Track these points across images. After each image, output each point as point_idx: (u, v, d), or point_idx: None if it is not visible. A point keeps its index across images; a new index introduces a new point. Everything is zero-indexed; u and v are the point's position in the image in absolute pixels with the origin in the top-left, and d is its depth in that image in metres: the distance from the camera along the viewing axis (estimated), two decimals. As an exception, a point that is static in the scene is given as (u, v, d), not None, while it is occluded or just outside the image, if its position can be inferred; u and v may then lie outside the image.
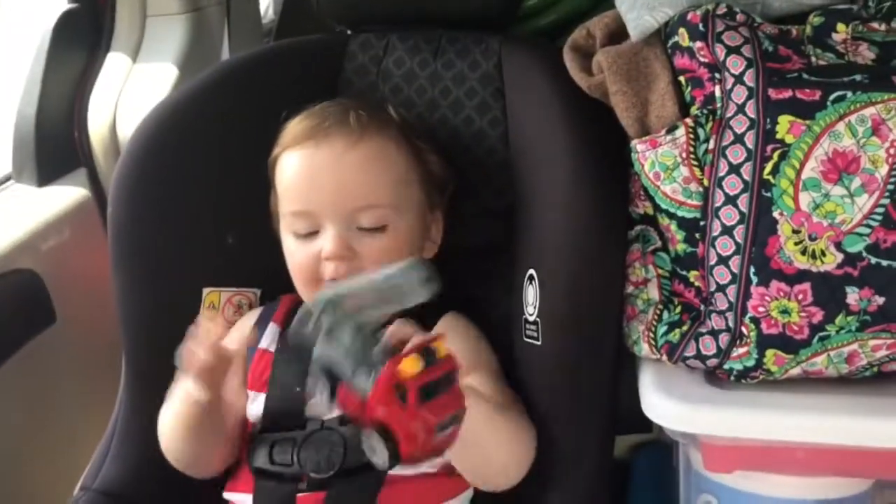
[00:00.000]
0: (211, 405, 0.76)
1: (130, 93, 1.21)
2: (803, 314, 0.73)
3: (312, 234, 0.82)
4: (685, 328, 0.79)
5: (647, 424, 1.14)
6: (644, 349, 0.81)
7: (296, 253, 0.84)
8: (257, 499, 0.81)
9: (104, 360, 1.06)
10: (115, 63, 1.24)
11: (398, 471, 0.76)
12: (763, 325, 0.74)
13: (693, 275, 0.80)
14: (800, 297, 0.73)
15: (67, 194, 1.18)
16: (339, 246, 0.80)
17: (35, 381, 1.09)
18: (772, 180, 0.72)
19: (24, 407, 1.08)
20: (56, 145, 1.20)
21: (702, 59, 0.76)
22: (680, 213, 0.78)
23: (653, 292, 0.82)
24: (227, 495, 0.84)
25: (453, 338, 0.82)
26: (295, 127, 0.85)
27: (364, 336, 0.63)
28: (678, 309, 0.81)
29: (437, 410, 0.62)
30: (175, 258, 0.92)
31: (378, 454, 0.62)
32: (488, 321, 0.93)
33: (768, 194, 0.73)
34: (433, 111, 0.96)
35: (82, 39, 1.24)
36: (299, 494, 0.79)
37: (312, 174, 0.82)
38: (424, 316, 0.86)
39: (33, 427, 1.09)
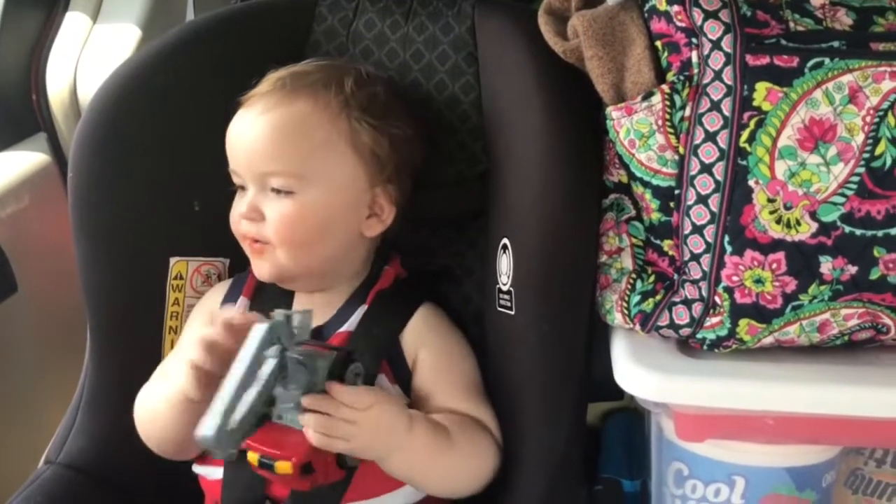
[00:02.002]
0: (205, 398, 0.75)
1: (91, 54, 1.17)
2: (777, 283, 0.73)
3: (243, 191, 0.84)
4: (658, 297, 0.79)
5: (618, 392, 1.15)
6: (617, 319, 0.81)
7: (233, 209, 0.85)
8: (228, 473, 0.80)
9: (68, 329, 1.03)
10: (74, 23, 1.20)
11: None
12: (736, 295, 0.74)
13: (667, 244, 0.79)
14: (774, 266, 0.73)
15: (27, 159, 1.15)
16: (248, 207, 0.81)
17: (-4, 352, 1.07)
18: (748, 148, 0.71)
19: (-15, 379, 1.06)
20: (14, 108, 1.16)
21: (679, 24, 0.75)
22: (655, 182, 0.77)
23: (626, 261, 0.81)
24: (195, 468, 0.83)
25: (423, 345, 0.83)
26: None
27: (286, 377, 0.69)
28: (651, 278, 0.80)
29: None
30: (139, 225, 0.90)
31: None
32: (462, 290, 0.92)
33: (744, 162, 0.72)
34: (404, 75, 0.93)
35: (39, -3, 1.19)
36: None
37: (234, 135, 0.83)
38: (400, 301, 0.86)
39: (-5, 399, 1.07)
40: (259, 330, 0.69)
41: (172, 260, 0.91)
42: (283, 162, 0.80)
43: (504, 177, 0.86)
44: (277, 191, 0.81)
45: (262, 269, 0.83)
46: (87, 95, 1.15)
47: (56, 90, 1.17)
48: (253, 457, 0.69)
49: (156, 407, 0.80)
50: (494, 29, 0.90)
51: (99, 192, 0.89)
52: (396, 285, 0.87)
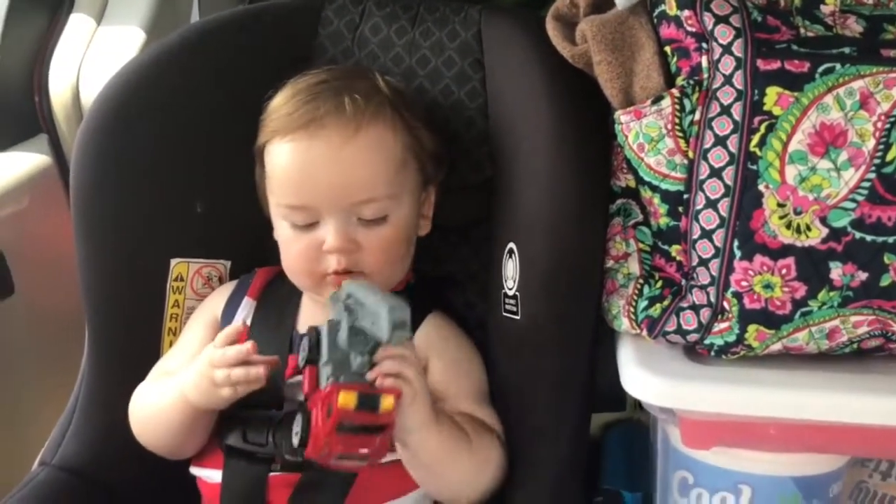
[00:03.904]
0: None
1: (94, 56, 1.17)
2: (786, 289, 0.72)
3: (311, 224, 0.79)
4: (666, 303, 0.78)
5: (620, 402, 1.14)
6: (624, 324, 0.80)
7: (293, 243, 0.80)
8: (227, 477, 0.78)
9: (65, 332, 1.02)
10: (78, 25, 1.19)
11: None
12: (745, 300, 0.73)
13: (675, 249, 0.78)
14: (783, 271, 0.72)
15: (27, 161, 1.14)
16: (343, 239, 0.77)
17: (-8, 354, 1.05)
18: (758, 153, 0.71)
19: (-20, 380, 1.04)
20: (15, 110, 1.15)
21: (689, 29, 0.74)
22: (664, 186, 0.77)
23: (633, 266, 0.81)
24: (194, 470, 0.82)
25: (434, 352, 0.82)
26: (284, 108, 0.80)
27: (355, 340, 0.69)
28: (659, 283, 0.79)
29: (345, 444, 0.67)
30: (141, 227, 0.89)
31: (294, 435, 0.70)
32: (466, 296, 0.92)
33: (754, 167, 0.71)
34: (410, 81, 0.93)
35: (43, -1, 1.19)
36: (272, 475, 0.77)
37: (308, 169, 0.78)
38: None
39: (-10, 401, 1.06)
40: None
41: (173, 261, 0.90)
42: (379, 188, 0.78)
43: (510, 182, 0.86)
44: (367, 218, 0.78)
45: None
46: (89, 97, 1.14)
47: (58, 92, 1.16)
48: (349, 398, 0.66)
49: (154, 405, 0.79)
50: (501, 35, 0.90)
51: (101, 192, 0.88)
52: (407, 290, 0.86)
